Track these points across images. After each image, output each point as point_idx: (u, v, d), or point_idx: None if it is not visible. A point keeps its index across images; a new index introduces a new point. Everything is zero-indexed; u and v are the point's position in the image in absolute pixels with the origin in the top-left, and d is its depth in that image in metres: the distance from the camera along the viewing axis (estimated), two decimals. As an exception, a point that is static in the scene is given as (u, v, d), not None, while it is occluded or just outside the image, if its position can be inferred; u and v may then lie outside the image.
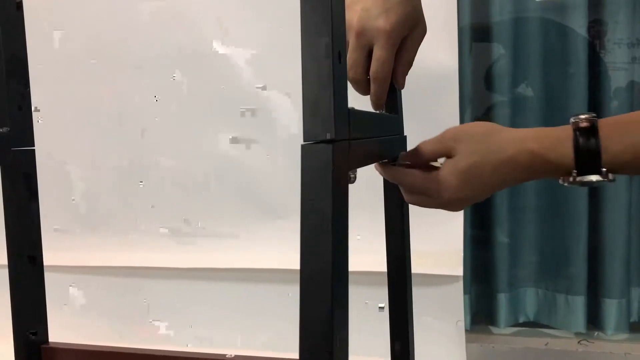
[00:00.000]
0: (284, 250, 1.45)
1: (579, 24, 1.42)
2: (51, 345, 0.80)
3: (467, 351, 1.39)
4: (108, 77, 1.47)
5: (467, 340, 1.42)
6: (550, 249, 1.51)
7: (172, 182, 1.47)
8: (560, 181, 0.59)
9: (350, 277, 0.44)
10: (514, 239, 1.52)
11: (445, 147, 0.61)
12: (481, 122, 0.63)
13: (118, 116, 1.48)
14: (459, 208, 0.63)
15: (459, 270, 1.39)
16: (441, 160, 0.63)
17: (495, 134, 0.59)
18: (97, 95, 1.49)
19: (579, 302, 1.46)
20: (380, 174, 0.65)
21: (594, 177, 0.55)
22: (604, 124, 0.56)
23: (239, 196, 1.46)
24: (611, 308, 1.45)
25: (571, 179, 0.56)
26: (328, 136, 0.40)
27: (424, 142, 0.63)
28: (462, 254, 1.39)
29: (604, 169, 0.55)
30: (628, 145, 0.55)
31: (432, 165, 0.63)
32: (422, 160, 0.63)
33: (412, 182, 0.62)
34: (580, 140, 0.55)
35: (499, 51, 1.47)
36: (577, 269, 1.46)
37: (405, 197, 0.65)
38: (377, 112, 0.61)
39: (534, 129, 0.59)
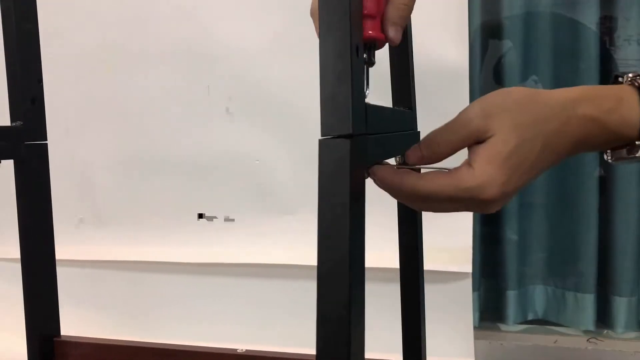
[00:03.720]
0: (292, 246, 1.45)
1: (590, 20, 1.41)
2: (63, 338, 0.81)
3: (475, 348, 1.39)
4: (114, 71, 1.47)
5: (476, 337, 1.41)
6: (559, 246, 1.50)
7: (181, 177, 1.48)
8: (606, 157, 0.48)
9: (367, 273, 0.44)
10: (523, 236, 1.51)
11: (473, 131, 0.46)
12: (511, 89, 0.48)
13: (126, 109, 1.48)
14: (501, 205, 0.47)
15: (468, 267, 1.39)
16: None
17: (536, 99, 0.46)
18: (106, 90, 1.49)
19: (589, 300, 1.46)
20: (379, 183, 0.48)
21: None
22: None
23: (247, 191, 1.46)
24: (621, 306, 1.44)
25: (627, 152, 0.46)
26: (346, 131, 0.40)
27: (439, 132, 0.48)
28: (471, 251, 1.38)
29: None
30: None
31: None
32: (440, 156, 0.48)
33: (438, 191, 0.45)
34: None
35: (509, 46, 1.47)
36: (586, 266, 1.46)
37: (419, 207, 0.50)
38: (393, 107, 0.58)
39: (584, 88, 0.47)
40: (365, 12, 0.47)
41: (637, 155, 0.45)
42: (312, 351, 0.41)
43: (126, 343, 0.79)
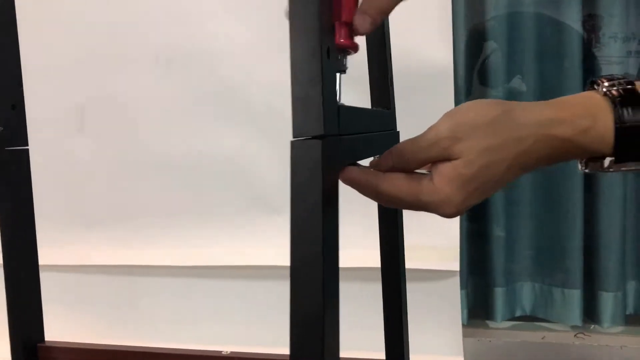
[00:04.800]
0: (282, 247, 1.45)
1: (573, 18, 1.42)
2: (47, 343, 0.80)
3: (464, 345, 1.39)
4: (105, 74, 1.47)
5: (464, 335, 1.42)
6: (546, 243, 1.51)
7: (167, 179, 1.47)
8: (581, 167, 0.48)
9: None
10: (509, 233, 1.52)
11: (440, 151, 0.46)
12: (484, 103, 0.47)
13: (113, 113, 1.48)
14: (460, 215, 0.48)
15: (455, 265, 1.40)
16: None
17: (507, 119, 0.45)
18: (97, 92, 1.48)
19: (575, 296, 1.47)
20: (346, 182, 0.48)
21: (632, 166, 0.45)
22: None
23: (236, 192, 1.46)
24: (607, 301, 1.45)
25: (606, 164, 0.45)
26: (318, 132, 0.40)
27: (409, 145, 0.48)
28: (458, 249, 1.39)
29: None
30: None
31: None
32: (408, 169, 0.48)
33: (398, 196, 0.47)
34: (623, 118, 0.43)
35: (494, 46, 1.48)
36: (572, 262, 1.47)
37: (385, 205, 0.51)
38: (369, 108, 0.58)
39: (557, 104, 0.46)
40: (342, 19, 0.48)
41: (611, 169, 0.45)
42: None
43: (110, 347, 0.79)
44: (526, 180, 1.50)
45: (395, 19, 1.33)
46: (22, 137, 0.79)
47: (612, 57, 1.45)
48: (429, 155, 0.47)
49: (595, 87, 0.46)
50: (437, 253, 1.41)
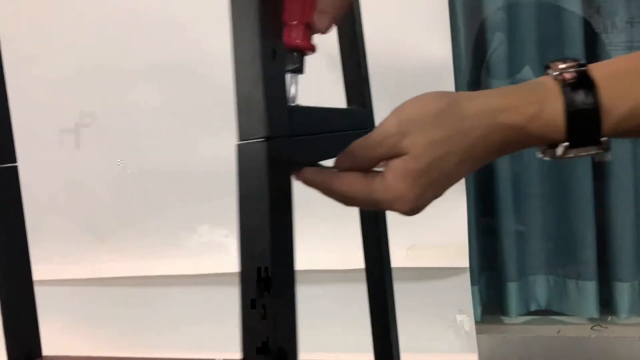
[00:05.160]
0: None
1: (575, 5, 1.39)
2: (45, 359, 0.81)
3: (478, 342, 1.37)
4: (105, 87, 1.48)
5: (479, 332, 1.40)
6: (557, 235, 1.48)
7: (172, 189, 1.48)
8: (540, 155, 0.46)
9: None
10: (520, 226, 1.50)
11: (388, 148, 0.45)
12: (429, 96, 0.46)
13: (118, 125, 1.49)
14: (418, 212, 0.48)
15: (464, 262, 1.38)
16: None
17: (453, 110, 0.44)
18: (98, 105, 1.50)
19: (590, 287, 1.43)
20: (302, 182, 0.48)
21: (589, 150, 0.43)
22: (599, 75, 0.42)
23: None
24: (623, 291, 1.42)
25: (560, 151, 0.43)
26: (262, 134, 0.39)
27: (359, 145, 0.47)
28: (467, 245, 1.37)
29: (604, 138, 0.42)
30: (635, 103, 0.41)
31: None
32: (363, 168, 0.47)
33: (353, 196, 0.47)
34: (573, 102, 0.41)
35: (495, 38, 1.45)
36: (586, 253, 1.44)
37: (345, 205, 0.49)
38: (337, 107, 0.57)
39: (504, 92, 0.45)
40: (290, 20, 0.48)
41: (568, 154, 0.43)
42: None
43: (106, 358, 0.80)
44: (535, 171, 1.47)
45: (392, 17, 1.34)
46: (10, 154, 0.80)
47: (616, 43, 1.42)
48: (379, 153, 0.46)
49: (548, 71, 0.44)
50: (445, 250, 1.40)
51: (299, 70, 0.50)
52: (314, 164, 0.49)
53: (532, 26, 1.43)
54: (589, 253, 1.44)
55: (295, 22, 0.48)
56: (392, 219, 1.37)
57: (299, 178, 0.48)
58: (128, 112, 1.48)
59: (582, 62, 0.43)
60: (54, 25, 1.49)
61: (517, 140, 0.44)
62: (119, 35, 1.45)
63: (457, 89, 1.35)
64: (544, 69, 0.45)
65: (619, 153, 1.40)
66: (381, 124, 0.46)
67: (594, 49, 1.41)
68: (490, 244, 1.53)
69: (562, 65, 0.43)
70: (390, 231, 1.42)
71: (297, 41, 0.48)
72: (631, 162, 1.40)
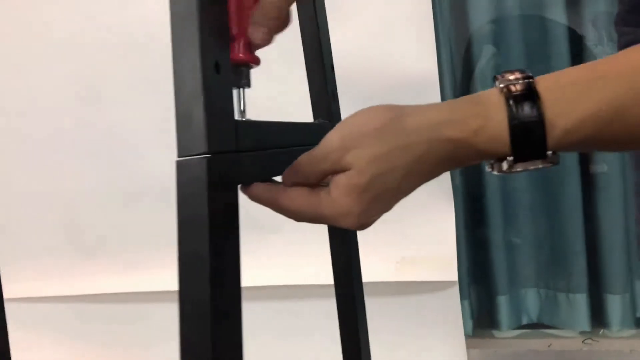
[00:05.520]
0: (276, 267, 1.43)
1: (559, 16, 1.39)
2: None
3: (469, 357, 1.35)
4: (92, 106, 1.47)
5: (470, 346, 1.38)
6: (548, 247, 1.47)
7: (162, 202, 1.46)
8: (489, 169, 0.45)
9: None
10: (510, 238, 1.48)
11: (332, 163, 0.44)
12: (374, 110, 0.45)
13: (106, 142, 1.48)
14: (366, 227, 0.47)
15: (453, 275, 1.36)
16: None
17: (397, 125, 0.43)
18: (86, 123, 1.49)
19: (581, 300, 1.42)
20: (251, 199, 0.47)
21: (535, 164, 0.41)
22: (544, 87, 0.41)
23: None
24: (614, 304, 1.40)
25: (505, 167, 0.42)
26: (201, 150, 0.38)
27: (305, 161, 0.46)
28: (455, 258, 1.35)
29: (550, 152, 0.41)
30: (581, 116, 0.40)
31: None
32: (309, 183, 0.46)
33: (299, 211, 0.46)
34: (517, 115, 0.40)
35: (481, 49, 1.45)
36: (577, 265, 1.42)
37: (292, 219, 0.48)
38: (294, 122, 0.55)
39: (450, 105, 0.43)
40: (233, 33, 0.47)
41: (514, 169, 0.42)
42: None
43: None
44: (524, 184, 1.46)
45: (377, 31, 1.33)
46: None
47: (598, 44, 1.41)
48: (323, 168, 0.45)
49: (496, 83, 0.43)
50: (434, 264, 1.38)
51: (246, 84, 0.49)
52: (268, 180, 0.48)
53: (518, 37, 1.42)
54: (580, 265, 1.42)
55: (236, 36, 0.47)
56: (380, 232, 1.37)
57: (246, 194, 0.47)
58: (114, 128, 1.47)
59: (530, 74, 0.42)
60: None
61: (463, 154, 0.43)
62: (102, 53, 1.45)
63: (444, 99, 1.34)
64: (492, 80, 0.44)
65: (609, 165, 1.38)
66: (325, 139, 0.45)
67: (581, 60, 1.40)
68: (480, 257, 1.51)
69: (510, 77, 0.42)
70: (377, 245, 1.41)
71: (240, 55, 0.47)
72: (621, 174, 1.38)
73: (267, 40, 0.48)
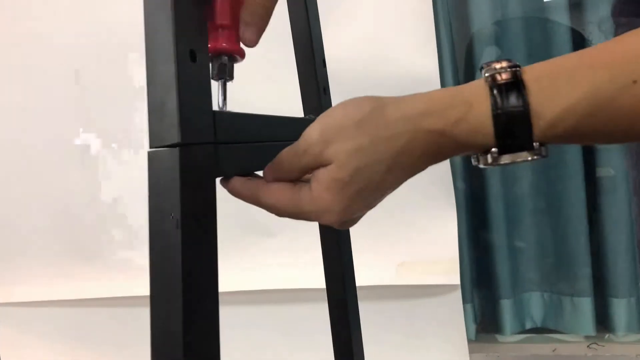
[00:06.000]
0: (276, 269, 1.42)
1: (561, 17, 1.37)
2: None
3: (471, 362, 1.33)
4: (93, 98, 1.46)
5: (472, 351, 1.36)
6: (552, 250, 1.44)
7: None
8: (474, 162, 0.43)
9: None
10: (514, 242, 1.46)
11: (313, 158, 0.42)
12: (354, 101, 0.43)
13: (102, 138, 1.47)
14: (348, 226, 0.46)
15: (456, 278, 1.34)
16: None
17: (377, 116, 0.41)
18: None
19: (586, 304, 1.39)
20: (230, 193, 0.46)
21: (522, 156, 0.39)
22: (530, 77, 0.39)
23: (228, 215, 1.43)
24: (620, 308, 1.37)
25: (490, 159, 0.40)
26: (173, 140, 0.36)
27: (285, 156, 0.45)
28: (458, 261, 1.33)
29: (536, 143, 0.39)
30: (567, 106, 0.38)
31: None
32: (290, 179, 0.45)
33: (279, 206, 0.44)
34: (500, 104, 0.38)
35: (483, 51, 1.43)
36: (581, 269, 1.39)
37: (277, 216, 0.46)
38: (279, 116, 0.53)
39: (431, 95, 0.41)
40: (218, 22, 0.45)
41: (499, 161, 0.40)
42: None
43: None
44: (528, 187, 1.44)
45: (379, 32, 1.32)
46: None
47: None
48: (303, 163, 0.43)
49: (482, 72, 0.41)
50: (436, 267, 1.36)
51: (228, 75, 0.47)
52: (250, 174, 0.46)
53: (520, 37, 1.40)
54: (585, 269, 1.39)
55: (224, 25, 0.46)
56: (382, 235, 1.34)
57: (226, 187, 0.45)
58: (111, 129, 1.46)
59: (517, 63, 0.40)
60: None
61: (445, 146, 0.41)
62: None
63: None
64: (480, 70, 0.42)
65: (615, 168, 1.36)
66: (305, 132, 0.43)
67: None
68: (483, 260, 1.49)
69: (497, 66, 0.40)
70: (378, 247, 1.39)
71: (223, 44, 0.45)
72: (626, 177, 1.36)
73: (256, 41, 0.47)
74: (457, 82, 1.46)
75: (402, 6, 1.33)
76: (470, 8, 1.42)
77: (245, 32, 0.46)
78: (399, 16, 1.34)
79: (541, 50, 1.38)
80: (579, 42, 1.37)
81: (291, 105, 0.70)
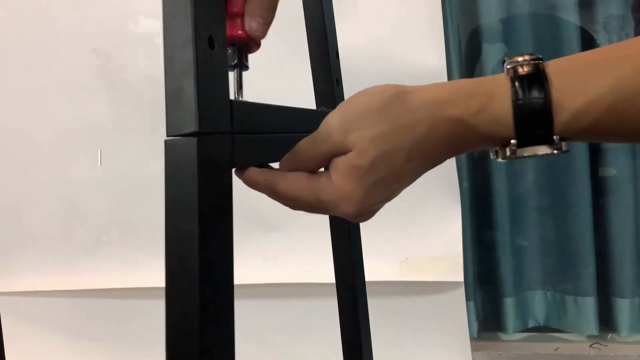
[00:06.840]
0: (282, 264, 1.41)
1: (568, 13, 1.36)
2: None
3: (473, 359, 1.33)
4: (99, 96, 1.45)
5: (475, 349, 1.36)
6: (556, 249, 1.43)
7: (159, 201, 1.44)
8: (493, 156, 0.42)
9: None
10: (518, 240, 1.45)
11: (333, 146, 0.41)
12: (375, 89, 0.42)
13: (105, 132, 1.46)
14: (366, 218, 0.44)
15: (459, 276, 1.34)
16: None
17: (399, 102, 0.40)
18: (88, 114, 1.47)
19: (589, 304, 1.38)
20: (245, 183, 0.44)
21: (542, 150, 0.39)
22: (553, 69, 0.38)
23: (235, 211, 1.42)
24: (623, 308, 1.37)
25: (508, 152, 0.39)
26: (191, 128, 0.35)
27: (304, 145, 0.44)
28: (462, 259, 1.33)
29: (557, 137, 0.38)
30: (592, 98, 0.37)
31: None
32: (308, 169, 0.44)
33: (297, 196, 0.43)
34: (522, 95, 0.38)
35: (490, 45, 1.42)
36: (585, 268, 1.39)
37: (290, 207, 0.45)
38: (296, 107, 0.52)
39: (454, 84, 0.41)
40: (235, 9, 0.44)
41: (518, 154, 0.39)
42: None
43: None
44: (533, 185, 1.43)
45: (387, 26, 1.31)
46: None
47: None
48: (323, 152, 0.42)
49: (504, 65, 0.41)
50: (439, 264, 1.35)
51: (244, 65, 0.46)
52: (265, 165, 0.45)
53: (528, 34, 1.39)
54: (588, 268, 1.39)
55: (240, 14, 0.44)
56: (385, 230, 1.34)
57: (241, 178, 0.44)
58: (114, 123, 1.45)
59: (539, 56, 0.39)
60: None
61: (464, 135, 0.40)
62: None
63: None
64: (502, 63, 0.41)
65: (619, 168, 1.35)
66: (325, 121, 0.43)
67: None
68: (487, 258, 1.49)
69: (519, 59, 0.39)
70: (382, 243, 1.38)
71: (239, 32, 0.44)
72: (631, 177, 1.35)
73: (264, 32, 0.45)
74: (464, 78, 1.44)
75: (410, 1, 1.32)
76: (479, 4, 1.41)
77: (252, 22, 0.45)
78: (407, 11, 1.33)
79: (549, 48, 1.37)
80: (587, 40, 1.36)
81: (301, 97, 0.69)
